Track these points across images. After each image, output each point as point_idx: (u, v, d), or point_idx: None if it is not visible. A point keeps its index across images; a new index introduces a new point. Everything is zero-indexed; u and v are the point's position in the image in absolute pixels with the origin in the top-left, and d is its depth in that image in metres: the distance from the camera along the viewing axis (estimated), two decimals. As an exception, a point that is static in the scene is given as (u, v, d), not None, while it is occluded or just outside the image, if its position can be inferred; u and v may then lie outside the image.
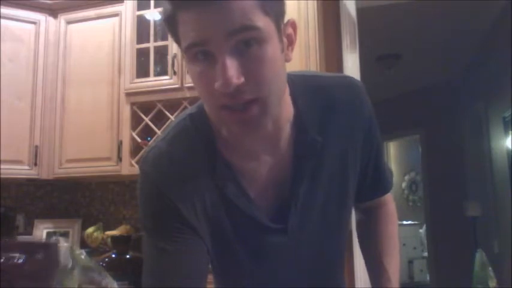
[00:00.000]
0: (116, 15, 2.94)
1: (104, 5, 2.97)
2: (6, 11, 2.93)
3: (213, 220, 0.81)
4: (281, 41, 0.71)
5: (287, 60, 0.74)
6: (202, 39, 0.66)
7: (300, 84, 0.83)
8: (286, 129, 0.80)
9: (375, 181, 0.94)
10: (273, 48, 0.68)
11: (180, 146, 0.81)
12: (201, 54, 0.68)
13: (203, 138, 0.80)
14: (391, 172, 1.00)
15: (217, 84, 0.65)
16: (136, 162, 2.71)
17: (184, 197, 0.79)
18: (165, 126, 2.73)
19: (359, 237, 1.07)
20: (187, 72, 0.71)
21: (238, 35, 0.65)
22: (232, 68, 0.65)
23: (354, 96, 0.85)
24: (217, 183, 0.79)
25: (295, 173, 0.81)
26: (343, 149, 0.85)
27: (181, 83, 2.70)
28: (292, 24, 0.75)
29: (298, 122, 0.81)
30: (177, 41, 0.72)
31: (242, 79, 0.66)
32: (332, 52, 2.69)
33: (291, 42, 0.75)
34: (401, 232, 6.65)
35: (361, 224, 1.07)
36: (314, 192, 0.83)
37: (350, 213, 0.94)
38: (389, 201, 1.03)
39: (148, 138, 2.78)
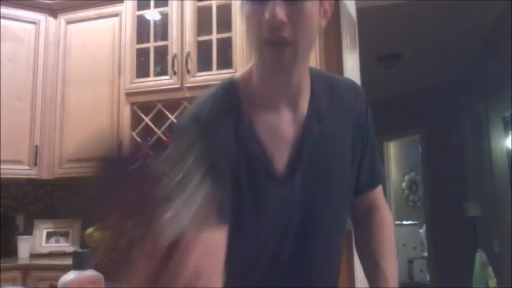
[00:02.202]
0: (116, 15, 2.94)
1: (104, 5, 2.98)
2: (6, 11, 2.93)
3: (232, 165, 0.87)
4: (320, 8, 0.85)
5: (320, 26, 0.87)
6: None
7: (314, 74, 0.95)
8: (305, 98, 0.92)
9: (370, 170, 1.00)
10: (313, 7, 0.83)
11: (210, 106, 0.91)
12: None
13: (230, 100, 0.91)
14: (381, 165, 1.08)
15: (266, 15, 0.79)
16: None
17: (215, 142, 0.87)
18: (165, 126, 2.73)
19: (356, 245, 1.08)
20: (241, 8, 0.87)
21: None
22: (280, 7, 0.79)
23: (353, 86, 1.02)
24: (238, 135, 0.87)
25: (305, 135, 0.90)
26: (345, 134, 0.95)
27: (181, 83, 2.70)
28: (330, 4, 0.89)
29: (312, 99, 0.93)
30: None
31: (286, 19, 0.79)
32: (332, 52, 2.69)
33: (325, 14, 0.88)
34: (401, 232, 6.67)
35: (357, 233, 1.08)
36: (320, 156, 0.91)
37: (351, 193, 0.98)
38: (384, 206, 1.06)
39: (149, 138, 2.77)
